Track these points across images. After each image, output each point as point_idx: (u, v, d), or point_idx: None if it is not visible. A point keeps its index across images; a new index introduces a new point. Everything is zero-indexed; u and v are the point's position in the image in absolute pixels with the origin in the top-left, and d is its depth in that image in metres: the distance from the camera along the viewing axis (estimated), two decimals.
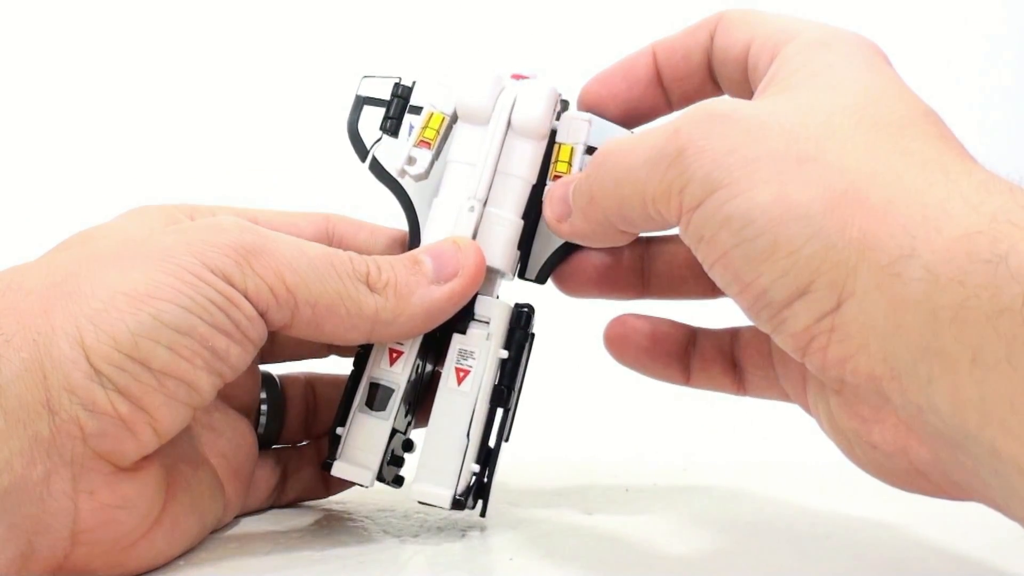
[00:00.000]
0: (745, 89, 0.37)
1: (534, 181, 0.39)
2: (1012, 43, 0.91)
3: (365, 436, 0.37)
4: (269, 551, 0.36)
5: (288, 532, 0.39)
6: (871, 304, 0.28)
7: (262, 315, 0.33)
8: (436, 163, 0.38)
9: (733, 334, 0.40)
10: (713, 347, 0.40)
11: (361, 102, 0.37)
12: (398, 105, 0.37)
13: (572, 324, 0.66)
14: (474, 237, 0.38)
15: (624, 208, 0.34)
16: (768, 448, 0.55)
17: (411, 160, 0.37)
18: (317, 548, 0.37)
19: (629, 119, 0.40)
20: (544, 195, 0.38)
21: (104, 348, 0.30)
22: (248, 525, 0.40)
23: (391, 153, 0.37)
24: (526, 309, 0.38)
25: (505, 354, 0.38)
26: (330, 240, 0.40)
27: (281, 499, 0.42)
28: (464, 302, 0.36)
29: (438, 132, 0.37)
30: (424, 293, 0.35)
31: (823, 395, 0.32)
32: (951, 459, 0.28)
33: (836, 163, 0.29)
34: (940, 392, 0.27)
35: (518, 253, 0.39)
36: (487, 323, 0.37)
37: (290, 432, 0.43)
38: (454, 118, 0.38)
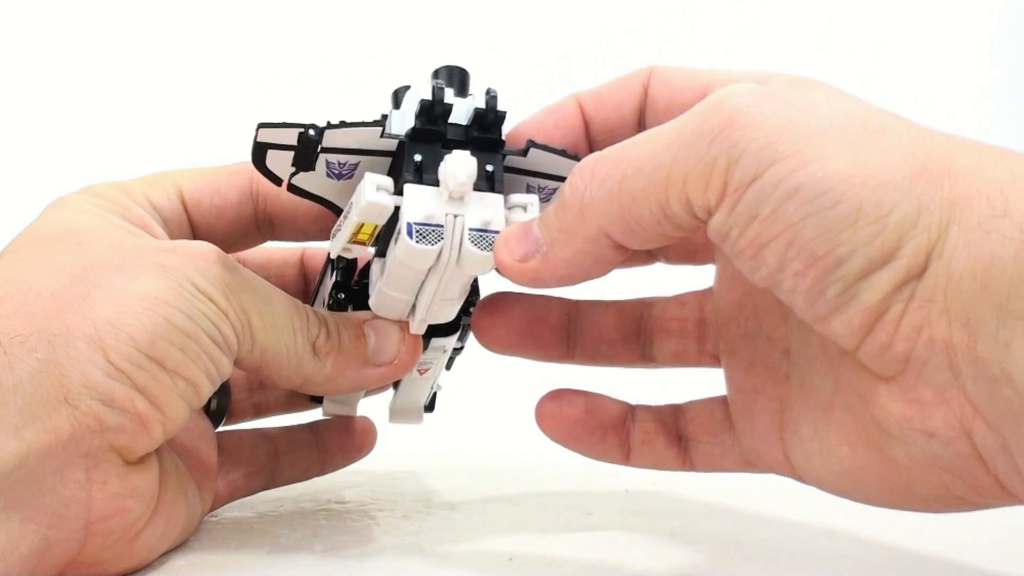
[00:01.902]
0: None
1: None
2: (1012, 43, 0.91)
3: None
4: (269, 551, 0.36)
5: (288, 532, 0.39)
6: (960, 264, 0.27)
7: None
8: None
9: (675, 408, 0.39)
10: (654, 421, 0.39)
11: (263, 147, 0.34)
12: (309, 151, 0.34)
13: None
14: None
15: (633, 208, 0.30)
16: None
17: (347, 250, 0.36)
18: (317, 548, 0.37)
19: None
20: (497, 242, 0.34)
21: (123, 347, 0.31)
22: (248, 525, 0.40)
23: (309, 181, 0.36)
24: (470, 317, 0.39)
25: (459, 345, 0.40)
26: (255, 196, 0.40)
27: (275, 481, 0.43)
28: (390, 382, 0.40)
29: (371, 235, 0.35)
30: (357, 371, 0.37)
31: (842, 403, 0.31)
32: (1019, 442, 0.28)
33: (908, 135, 0.29)
34: (1017, 359, 0.26)
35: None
36: (443, 346, 0.40)
37: (239, 404, 0.45)
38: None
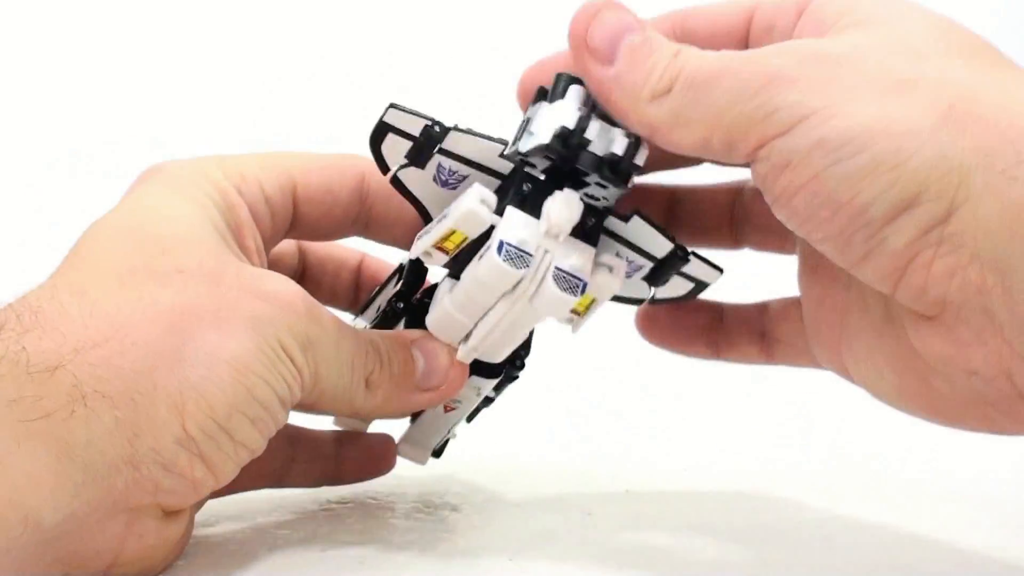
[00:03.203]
0: None
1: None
2: (1012, 43, 0.91)
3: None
4: (269, 551, 0.36)
5: (288, 532, 0.39)
6: (986, 210, 0.28)
7: None
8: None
9: (760, 307, 0.40)
10: (740, 320, 0.40)
11: (386, 128, 0.34)
12: (427, 146, 0.35)
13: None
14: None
15: (705, 136, 0.32)
16: (769, 451, 0.55)
17: (428, 255, 0.36)
18: (317, 548, 0.37)
19: None
20: (582, 11, 0.32)
21: (202, 417, 0.31)
22: (248, 524, 0.40)
23: (414, 180, 0.36)
24: (517, 371, 0.40)
25: (493, 395, 0.40)
26: (363, 195, 0.39)
27: (282, 484, 0.42)
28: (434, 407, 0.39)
29: (458, 246, 0.35)
30: (406, 397, 0.37)
31: (890, 332, 0.32)
32: None
33: (936, 81, 0.29)
34: None
35: None
36: (479, 387, 0.39)
37: None
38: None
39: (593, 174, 0.34)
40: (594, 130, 0.33)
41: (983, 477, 0.48)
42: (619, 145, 0.33)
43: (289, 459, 0.41)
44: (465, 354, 0.37)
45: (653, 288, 0.39)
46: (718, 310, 0.41)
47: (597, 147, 0.33)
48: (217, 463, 0.32)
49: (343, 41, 0.85)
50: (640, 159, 0.34)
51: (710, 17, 0.36)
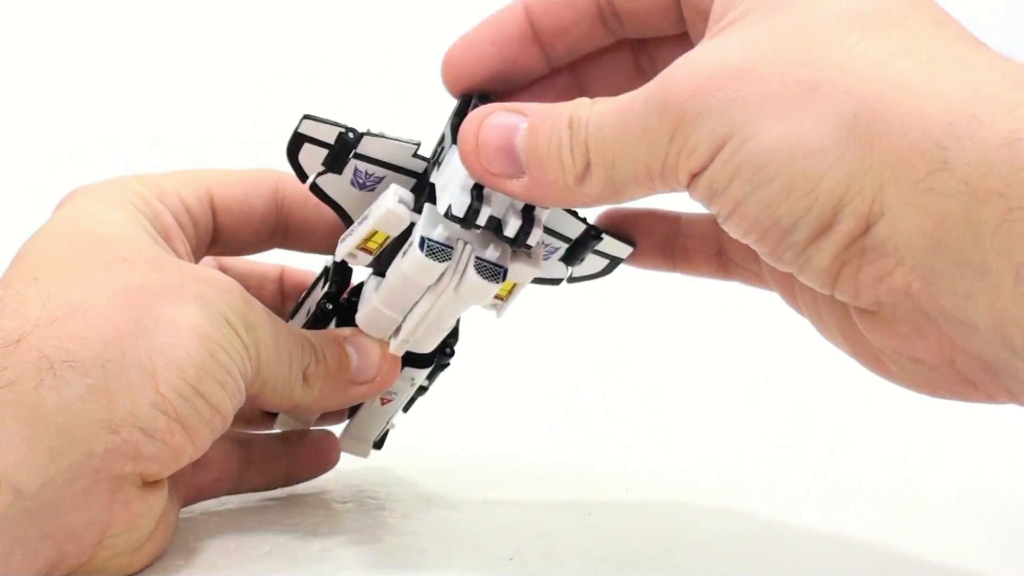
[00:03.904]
0: (657, 26, 0.36)
1: None
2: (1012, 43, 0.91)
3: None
4: (268, 551, 0.36)
5: (286, 532, 0.39)
6: (905, 221, 0.27)
7: None
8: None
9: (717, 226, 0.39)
10: (697, 235, 0.39)
11: (301, 139, 0.35)
12: (342, 152, 0.36)
13: (571, 328, 0.66)
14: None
15: (629, 188, 0.32)
16: (769, 451, 0.55)
17: (352, 256, 0.37)
18: (316, 548, 0.37)
19: (501, 84, 0.37)
20: (465, 131, 0.33)
21: (174, 379, 0.32)
22: (247, 525, 0.40)
23: (332, 185, 0.37)
24: (448, 359, 0.41)
25: (426, 383, 0.42)
26: (279, 205, 0.41)
27: (240, 487, 0.42)
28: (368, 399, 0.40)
29: (380, 245, 0.36)
30: (342, 391, 0.38)
31: (843, 318, 0.32)
32: (1003, 367, 0.28)
33: (840, 85, 0.28)
34: (979, 309, 0.26)
35: None
36: (412, 378, 0.41)
37: None
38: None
39: None
40: (489, 206, 0.34)
41: (983, 477, 0.48)
42: (511, 229, 0.34)
43: (245, 462, 0.42)
44: (397, 347, 0.38)
45: (570, 268, 0.39)
46: (675, 221, 0.40)
47: (492, 222, 0.34)
48: (195, 427, 0.33)
49: (343, 41, 0.85)
50: (533, 239, 0.34)
51: None
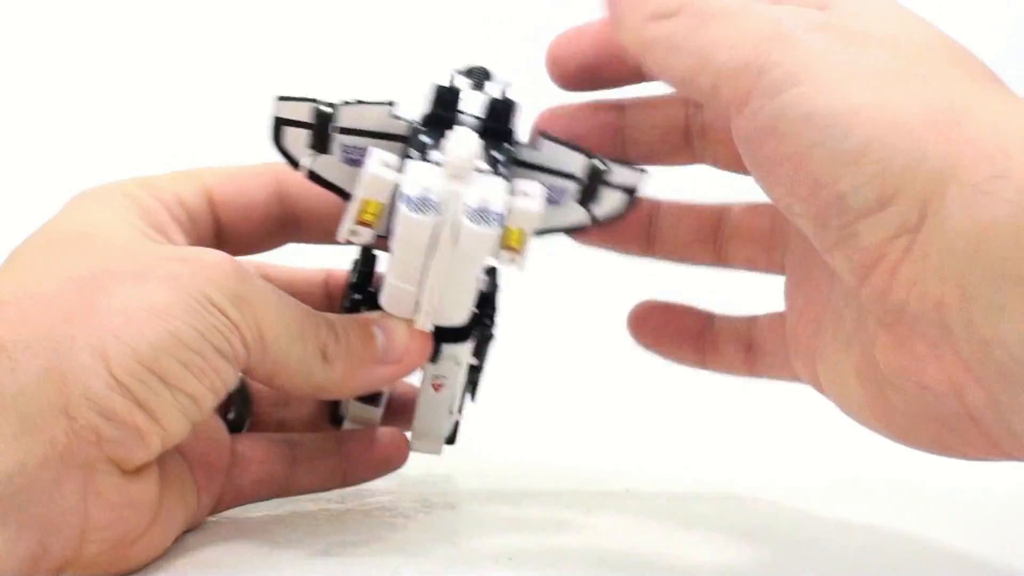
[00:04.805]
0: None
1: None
2: (1013, 43, 0.91)
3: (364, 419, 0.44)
4: (269, 551, 0.36)
5: (288, 532, 0.39)
6: (955, 223, 0.27)
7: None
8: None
9: (750, 319, 0.41)
10: (728, 330, 0.41)
11: (280, 123, 0.35)
12: (321, 129, 0.35)
13: (572, 329, 0.66)
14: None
15: (702, 50, 0.31)
16: (770, 451, 0.55)
17: (354, 233, 0.36)
18: (318, 548, 0.37)
19: (597, 82, 0.38)
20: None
21: (126, 360, 0.31)
22: (248, 524, 0.40)
23: (326, 168, 0.36)
24: (489, 329, 0.40)
25: (474, 361, 0.41)
26: (282, 196, 0.40)
27: (290, 489, 0.42)
28: (400, 379, 0.39)
29: (377, 216, 0.35)
30: (368, 371, 0.37)
31: (858, 340, 0.32)
32: (1011, 403, 0.28)
33: (932, 82, 0.29)
34: (1011, 322, 0.26)
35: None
36: (455, 355, 0.40)
37: (262, 417, 0.44)
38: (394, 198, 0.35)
39: (484, 124, 0.35)
40: (469, 88, 0.35)
41: (982, 477, 0.48)
42: (495, 92, 0.35)
43: (291, 462, 0.41)
44: (422, 321, 0.37)
45: (589, 211, 0.37)
46: (709, 318, 0.42)
47: (476, 102, 0.35)
48: (157, 409, 0.32)
49: (343, 41, 0.85)
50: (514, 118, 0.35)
51: None
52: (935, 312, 0.28)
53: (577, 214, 0.38)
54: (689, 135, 0.40)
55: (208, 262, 0.34)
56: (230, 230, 0.40)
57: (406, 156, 0.35)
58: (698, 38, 0.31)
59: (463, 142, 0.34)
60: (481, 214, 0.34)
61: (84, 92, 0.81)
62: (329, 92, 0.36)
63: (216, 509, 0.40)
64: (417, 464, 0.43)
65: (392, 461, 0.43)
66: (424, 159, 0.34)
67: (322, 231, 0.40)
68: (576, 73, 0.38)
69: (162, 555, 0.35)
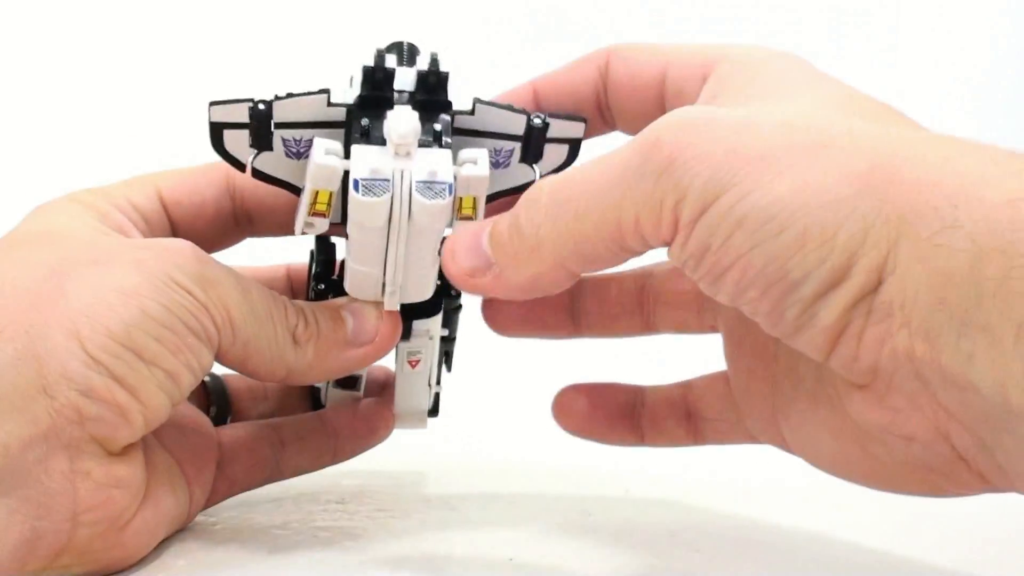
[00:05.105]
0: (647, 121, 0.36)
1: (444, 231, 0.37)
2: (1014, 48, 0.91)
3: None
4: (269, 551, 0.36)
5: (288, 532, 0.39)
6: (913, 279, 0.27)
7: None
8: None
9: (684, 386, 0.40)
10: (663, 402, 0.40)
11: (218, 127, 0.35)
12: (262, 126, 0.35)
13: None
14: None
15: (589, 244, 0.31)
16: (770, 452, 0.55)
17: (310, 225, 0.36)
18: (317, 548, 0.37)
19: None
20: (444, 249, 0.35)
21: (100, 338, 0.32)
22: (248, 524, 0.40)
23: (271, 164, 0.36)
24: (456, 300, 0.40)
25: (445, 332, 0.41)
26: (232, 192, 0.40)
27: (282, 472, 0.42)
28: (373, 362, 0.39)
29: (329, 204, 0.35)
30: (338, 354, 0.37)
31: (824, 397, 0.32)
32: (995, 441, 0.27)
33: (850, 147, 0.28)
34: (981, 369, 0.26)
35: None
36: (427, 330, 0.40)
37: (242, 415, 0.44)
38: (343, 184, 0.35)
39: (417, 98, 0.35)
40: (396, 64, 0.35)
41: None
42: (422, 65, 0.35)
43: (278, 445, 0.41)
44: (389, 302, 0.37)
45: (535, 167, 0.38)
46: (638, 393, 0.41)
47: (405, 77, 0.35)
48: (136, 385, 0.32)
49: (342, 42, 0.85)
50: (445, 67, 0.35)
51: (630, 69, 0.37)
52: (908, 364, 0.28)
53: (524, 173, 0.38)
54: (643, 304, 0.40)
55: (171, 248, 0.35)
56: (184, 229, 0.40)
57: (349, 142, 0.35)
58: (591, 215, 0.31)
59: (403, 120, 0.34)
60: (430, 186, 0.34)
61: (42, 100, 0.82)
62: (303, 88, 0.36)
63: (212, 500, 0.40)
64: (417, 464, 0.43)
65: (378, 432, 0.43)
66: (367, 142, 0.34)
67: (276, 224, 0.41)
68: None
69: (162, 556, 0.35)
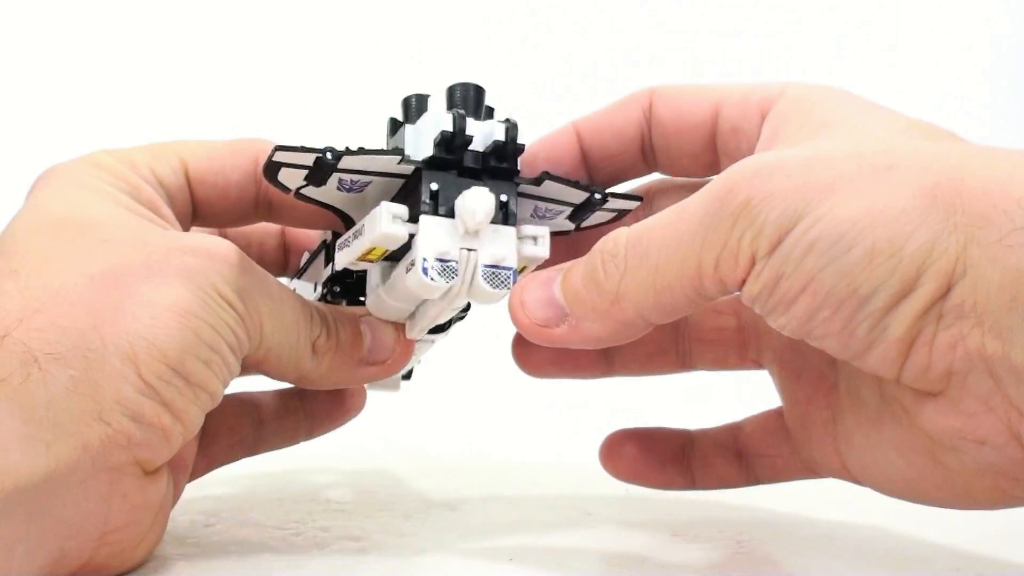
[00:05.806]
0: (699, 160, 0.37)
1: None
2: (1014, 49, 0.91)
3: None
4: (269, 551, 0.36)
5: (288, 532, 0.39)
6: (985, 279, 0.28)
7: None
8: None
9: (732, 428, 0.40)
10: (712, 444, 0.40)
11: (278, 165, 0.34)
12: (323, 172, 0.34)
13: None
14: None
15: (669, 294, 0.32)
16: None
17: (354, 264, 0.36)
18: (317, 548, 0.37)
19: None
20: (513, 302, 0.34)
21: (155, 364, 0.32)
22: (247, 524, 0.40)
23: (317, 192, 0.35)
24: (464, 315, 0.40)
25: (461, 315, 0.40)
26: (258, 178, 0.39)
27: (258, 448, 0.42)
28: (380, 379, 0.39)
29: (381, 256, 0.35)
30: (351, 369, 0.38)
31: (889, 416, 0.32)
32: None
33: (916, 165, 0.29)
34: None
35: None
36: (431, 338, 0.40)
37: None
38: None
39: (487, 162, 0.34)
40: (472, 127, 0.34)
41: None
42: (498, 131, 0.34)
43: (257, 423, 0.42)
44: (413, 333, 0.37)
45: (574, 224, 0.38)
46: (686, 436, 0.41)
47: (477, 136, 0.34)
48: (181, 409, 0.32)
49: (342, 42, 0.85)
50: (521, 141, 0.34)
51: (677, 109, 0.37)
52: (982, 364, 0.28)
53: (564, 224, 0.38)
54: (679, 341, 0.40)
55: (216, 254, 0.34)
56: (205, 208, 0.40)
57: (409, 194, 0.35)
58: (683, 255, 0.31)
59: (481, 202, 0.33)
60: (496, 273, 0.34)
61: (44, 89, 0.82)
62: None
63: (191, 477, 0.39)
64: (417, 464, 0.43)
65: (352, 409, 0.43)
66: (434, 208, 0.34)
67: (295, 217, 0.41)
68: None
69: (163, 557, 0.35)
